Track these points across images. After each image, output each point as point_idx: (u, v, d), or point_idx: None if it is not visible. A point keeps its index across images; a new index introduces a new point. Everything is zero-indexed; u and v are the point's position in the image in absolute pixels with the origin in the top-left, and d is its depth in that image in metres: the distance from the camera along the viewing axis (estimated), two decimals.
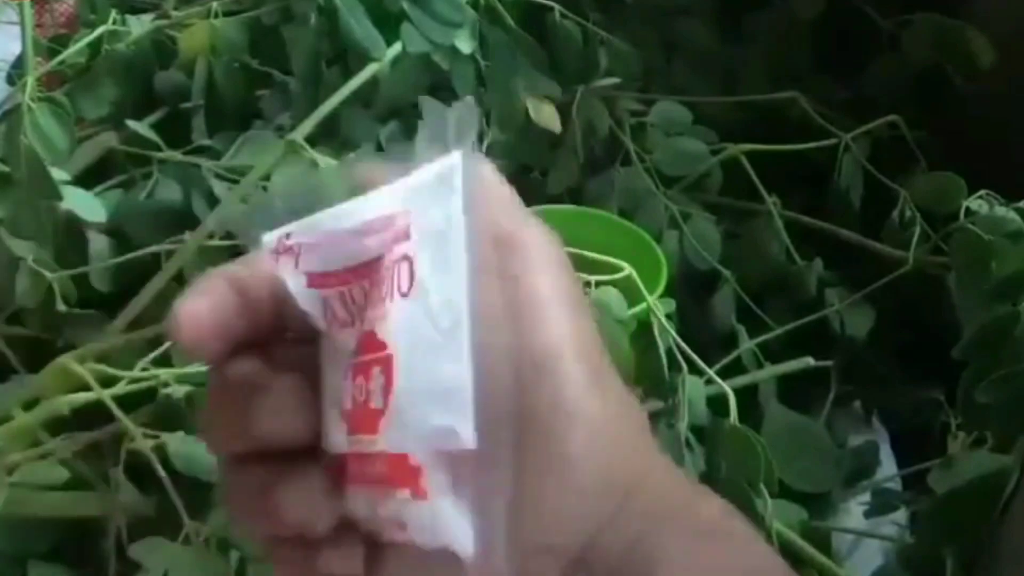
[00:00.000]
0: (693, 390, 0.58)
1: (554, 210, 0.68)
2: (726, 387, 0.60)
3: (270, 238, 0.33)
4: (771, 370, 0.67)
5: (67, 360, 0.52)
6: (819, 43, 0.82)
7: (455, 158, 0.32)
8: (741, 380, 0.66)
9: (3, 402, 0.59)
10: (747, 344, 0.69)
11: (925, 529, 0.57)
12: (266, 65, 0.73)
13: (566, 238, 0.34)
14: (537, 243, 0.33)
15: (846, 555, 0.65)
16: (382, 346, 0.31)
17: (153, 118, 0.71)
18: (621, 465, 0.32)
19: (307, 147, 0.62)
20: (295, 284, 0.33)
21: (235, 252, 0.67)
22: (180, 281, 0.63)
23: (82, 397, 0.54)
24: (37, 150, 0.62)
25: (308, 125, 0.63)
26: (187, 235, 0.64)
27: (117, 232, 0.67)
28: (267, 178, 0.65)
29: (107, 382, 0.54)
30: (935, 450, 0.66)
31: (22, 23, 0.69)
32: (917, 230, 0.69)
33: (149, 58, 0.70)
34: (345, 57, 0.69)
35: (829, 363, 0.68)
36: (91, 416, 0.55)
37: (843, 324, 0.69)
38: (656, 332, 0.57)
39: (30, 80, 0.63)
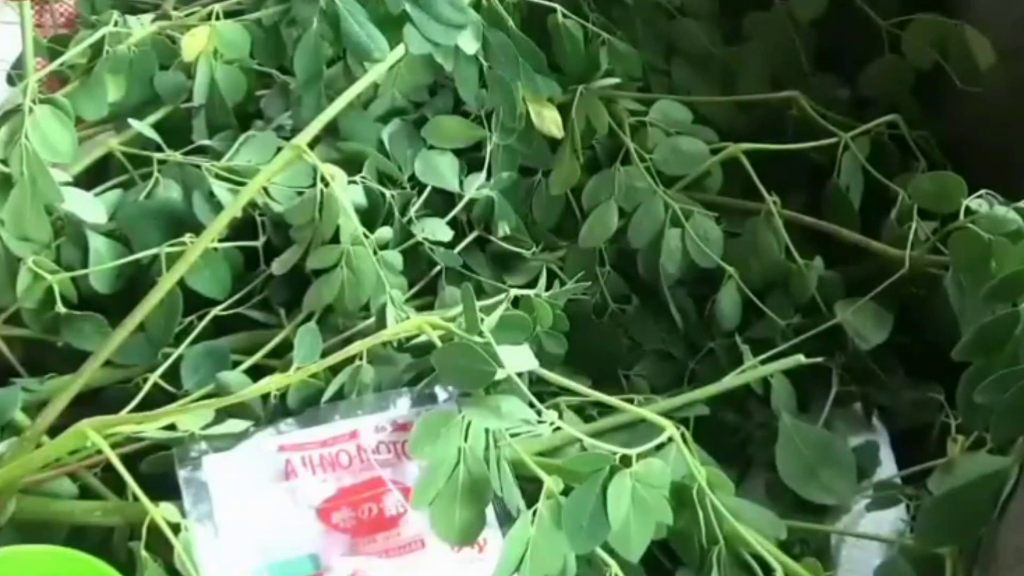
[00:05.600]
0: None
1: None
2: None
3: None
4: (765, 368, 0.67)
5: (87, 428, 0.53)
6: (819, 43, 0.82)
7: None
8: (740, 380, 0.67)
9: (5, 407, 0.59)
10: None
11: (925, 529, 0.57)
12: (266, 66, 0.72)
13: None
14: None
15: (845, 555, 0.66)
16: None
17: (153, 118, 0.71)
18: None
19: (309, 152, 0.62)
20: None
21: (237, 254, 0.67)
22: (183, 286, 0.63)
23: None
24: (38, 151, 0.62)
25: (312, 129, 0.63)
26: (187, 236, 0.64)
27: (117, 233, 0.67)
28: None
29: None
30: (935, 450, 0.67)
31: (22, 23, 0.69)
32: (916, 229, 0.69)
33: (150, 59, 0.70)
34: (345, 57, 0.69)
35: (821, 360, 0.68)
36: None
37: (858, 334, 0.70)
38: None
39: (31, 82, 0.63)
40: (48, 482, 0.58)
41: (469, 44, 0.69)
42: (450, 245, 0.71)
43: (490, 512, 0.52)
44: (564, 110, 0.74)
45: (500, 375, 0.53)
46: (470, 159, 0.73)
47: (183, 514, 0.52)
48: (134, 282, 0.66)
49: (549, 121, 0.73)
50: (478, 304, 0.54)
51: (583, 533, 0.51)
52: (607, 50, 0.76)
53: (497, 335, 0.54)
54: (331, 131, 0.69)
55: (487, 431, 0.52)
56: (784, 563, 0.56)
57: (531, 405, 0.54)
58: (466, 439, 0.52)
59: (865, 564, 0.64)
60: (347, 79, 0.68)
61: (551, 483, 0.52)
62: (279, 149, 0.67)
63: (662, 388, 0.72)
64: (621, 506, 0.52)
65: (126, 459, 0.53)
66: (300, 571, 0.52)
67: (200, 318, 0.65)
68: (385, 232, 0.67)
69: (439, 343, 0.55)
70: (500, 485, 0.52)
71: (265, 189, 0.66)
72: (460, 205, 0.72)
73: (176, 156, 0.69)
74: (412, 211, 0.70)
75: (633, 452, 0.53)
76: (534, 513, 0.51)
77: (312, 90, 0.68)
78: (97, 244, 0.66)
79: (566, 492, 0.52)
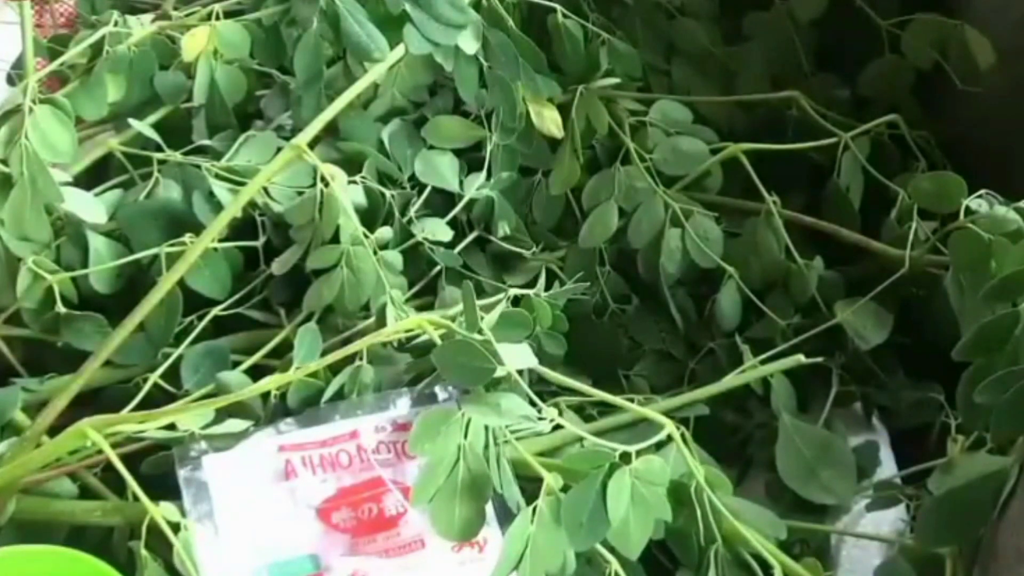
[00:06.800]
0: None
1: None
2: None
3: None
4: (765, 368, 0.67)
5: (87, 427, 0.53)
6: (819, 43, 0.82)
7: None
8: (740, 380, 0.67)
9: (5, 407, 0.59)
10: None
11: (925, 529, 0.57)
12: (266, 66, 0.73)
13: None
14: None
15: (845, 555, 0.66)
16: None
17: (153, 118, 0.71)
18: None
19: (309, 152, 0.62)
20: None
21: (237, 254, 0.67)
22: (183, 286, 0.63)
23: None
24: (38, 151, 0.62)
25: (312, 129, 0.63)
26: (187, 236, 0.64)
27: (117, 233, 0.67)
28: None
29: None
30: (935, 450, 0.67)
31: (22, 23, 0.69)
32: (916, 229, 0.69)
33: (150, 59, 0.70)
34: (345, 57, 0.69)
35: (821, 360, 0.68)
36: None
37: (858, 334, 0.70)
38: None
39: (31, 82, 0.63)
40: (48, 482, 0.58)
41: (469, 44, 0.69)
42: (450, 245, 0.71)
43: (490, 512, 0.53)
44: (564, 110, 0.74)
45: (500, 372, 0.53)
46: (470, 159, 0.73)
47: (183, 514, 0.52)
48: (134, 282, 0.66)
49: (549, 121, 0.73)
50: (478, 303, 0.55)
51: (583, 530, 0.51)
52: (607, 50, 0.76)
53: (497, 333, 0.54)
54: (331, 131, 0.69)
55: (487, 428, 0.52)
56: (784, 563, 0.56)
57: (531, 402, 0.54)
58: (466, 436, 0.52)
59: (865, 564, 0.65)
60: (347, 79, 0.68)
61: (551, 480, 0.52)
62: (279, 149, 0.67)
63: (662, 388, 0.72)
64: (621, 503, 0.52)
65: (126, 459, 0.53)
66: (300, 571, 0.52)
67: (200, 318, 0.65)
68: (385, 232, 0.67)
69: (439, 341, 0.55)
70: (500, 482, 0.52)
71: (265, 189, 0.66)
72: (460, 205, 0.72)
73: (176, 156, 0.69)
74: (412, 211, 0.70)
75: (633, 449, 0.53)
76: (534, 510, 0.51)
77: (312, 90, 0.68)
78: (97, 244, 0.66)
79: (566, 490, 0.52)
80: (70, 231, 0.66)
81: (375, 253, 0.64)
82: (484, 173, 0.72)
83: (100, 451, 0.53)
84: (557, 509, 0.51)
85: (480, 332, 0.54)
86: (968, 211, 0.64)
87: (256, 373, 0.61)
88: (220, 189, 0.67)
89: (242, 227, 0.68)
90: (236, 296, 0.67)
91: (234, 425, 0.56)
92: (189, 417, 0.55)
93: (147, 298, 0.60)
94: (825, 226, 0.73)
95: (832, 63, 0.82)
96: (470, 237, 0.73)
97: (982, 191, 0.65)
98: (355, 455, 0.56)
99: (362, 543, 0.53)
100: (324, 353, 0.60)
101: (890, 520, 0.67)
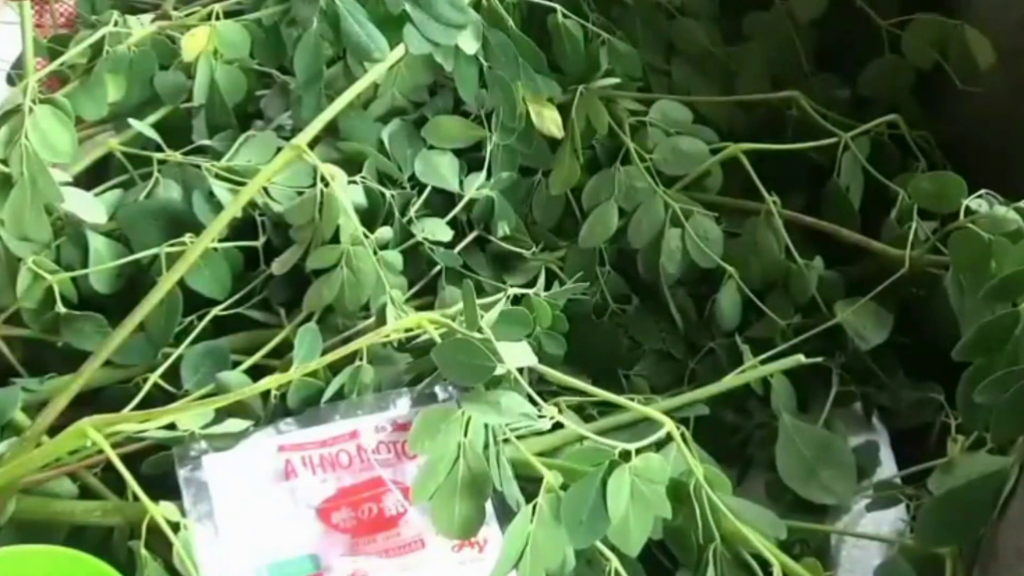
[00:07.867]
0: None
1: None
2: None
3: None
4: (765, 368, 0.67)
5: (87, 426, 0.53)
6: (819, 43, 0.82)
7: None
8: (740, 380, 0.67)
9: (5, 407, 0.59)
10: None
11: (925, 529, 0.57)
12: (266, 66, 0.73)
13: None
14: None
15: (845, 555, 0.66)
16: None
17: (153, 118, 0.71)
18: None
19: (309, 152, 0.62)
20: None
21: (237, 254, 0.67)
22: (183, 286, 0.63)
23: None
24: (38, 151, 0.62)
25: (312, 129, 0.63)
26: (187, 236, 0.64)
27: (117, 233, 0.67)
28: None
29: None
30: (935, 450, 0.67)
31: (22, 23, 0.69)
32: (916, 229, 0.69)
33: (150, 59, 0.70)
34: (345, 57, 0.69)
35: (821, 360, 0.68)
36: None
37: (858, 334, 0.70)
38: None
39: (31, 82, 0.63)
40: (48, 482, 0.58)
41: (469, 44, 0.69)
42: (450, 245, 0.71)
43: (490, 511, 0.53)
44: (564, 110, 0.74)
45: (500, 370, 0.53)
46: (470, 159, 0.73)
47: (183, 514, 0.52)
48: (134, 282, 0.66)
49: (549, 121, 0.73)
50: (478, 302, 0.55)
51: (583, 527, 0.51)
52: (607, 50, 0.76)
53: (497, 331, 0.54)
54: (331, 131, 0.69)
55: (487, 426, 0.53)
56: (783, 563, 0.56)
57: (531, 401, 0.54)
58: (466, 434, 0.52)
59: (865, 564, 0.65)
60: (347, 79, 0.68)
61: (551, 477, 0.52)
62: (279, 149, 0.67)
63: (662, 388, 0.72)
64: (620, 500, 0.52)
65: (126, 459, 0.53)
66: (300, 571, 0.52)
67: (200, 318, 0.65)
68: (385, 232, 0.67)
69: (439, 340, 0.55)
70: (499, 480, 0.52)
71: (265, 189, 0.66)
72: (460, 205, 0.72)
73: (176, 156, 0.69)
74: (412, 211, 0.70)
75: (632, 447, 0.53)
76: (534, 508, 0.51)
77: (312, 90, 0.68)
78: (97, 244, 0.66)
79: (565, 488, 0.52)
80: (70, 231, 0.66)
81: (375, 253, 0.64)
82: (484, 173, 0.73)
83: (100, 451, 0.52)
84: (557, 507, 0.51)
85: (480, 330, 0.54)
86: (968, 211, 0.64)
87: (256, 373, 0.61)
88: (220, 189, 0.67)
89: (242, 227, 0.68)
90: (236, 296, 0.67)
91: (234, 425, 0.56)
92: (189, 417, 0.55)
93: (147, 298, 0.60)
94: (825, 226, 0.73)
95: (832, 63, 0.82)
96: (470, 237, 0.73)
97: (982, 191, 0.66)
98: (355, 455, 0.56)
99: (362, 543, 0.53)
100: (324, 353, 0.60)
101: (890, 520, 0.67)
